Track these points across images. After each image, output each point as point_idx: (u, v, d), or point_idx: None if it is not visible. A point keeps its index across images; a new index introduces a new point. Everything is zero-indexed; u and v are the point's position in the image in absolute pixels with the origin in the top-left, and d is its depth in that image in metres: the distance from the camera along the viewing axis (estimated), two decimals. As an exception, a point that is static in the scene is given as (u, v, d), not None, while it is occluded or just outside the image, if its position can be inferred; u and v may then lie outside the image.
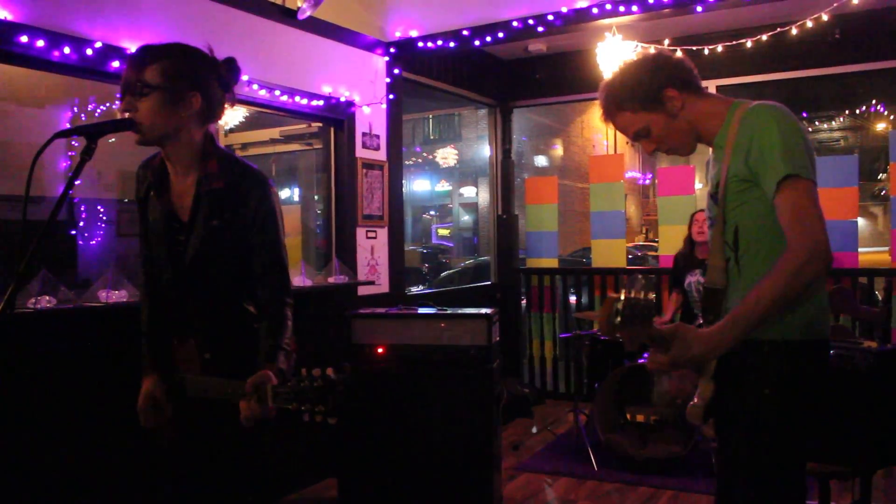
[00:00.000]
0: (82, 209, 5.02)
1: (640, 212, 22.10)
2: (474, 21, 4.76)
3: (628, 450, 4.48)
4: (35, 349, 2.94)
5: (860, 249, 5.17)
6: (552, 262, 6.51)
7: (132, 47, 3.36)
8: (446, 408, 3.71)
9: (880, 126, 18.68)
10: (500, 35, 4.72)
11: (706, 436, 1.99)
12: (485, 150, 7.51)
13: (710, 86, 5.75)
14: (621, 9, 4.34)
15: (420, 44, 4.92)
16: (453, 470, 3.70)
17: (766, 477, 1.80)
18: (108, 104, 4.76)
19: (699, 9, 4.29)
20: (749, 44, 5.14)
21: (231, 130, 6.72)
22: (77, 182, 1.76)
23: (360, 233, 4.80)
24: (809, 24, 4.79)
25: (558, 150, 18.75)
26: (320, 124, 4.89)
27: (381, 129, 5.01)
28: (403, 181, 5.44)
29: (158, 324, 2.13)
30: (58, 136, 1.72)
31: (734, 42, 5.17)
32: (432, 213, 21.31)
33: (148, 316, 2.16)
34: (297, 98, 4.30)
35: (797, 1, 4.61)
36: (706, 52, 5.26)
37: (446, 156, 18.88)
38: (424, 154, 19.49)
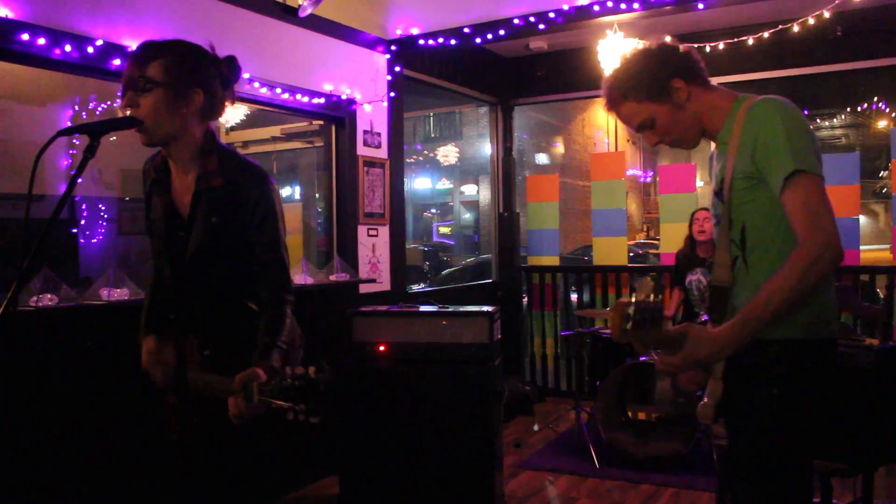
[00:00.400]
0: (84, 207, 5.03)
1: (641, 209, 22.10)
2: (475, 19, 4.76)
3: (630, 448, 4.48)
4: (37, 347, 2.94)
5: (861, 247, 5.17)
6: (553, 260, 6.51)
7: (133, 45, 3.35)
8: (447, 405, 3.71)
9: (882, 123, 18.67)
10: (502, 32, 4.72)
11: (717, 434, 1.98)
12: (486, 148, 7.50)
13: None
14: (623, 6, 4.33)
15: (421, 41, 4.92)
16: (455, 467, 3.71)
17: (774, 477, 1.79)
18: (109, 102, 4.76)
19: (701, 6, 4.28)
20: (751, 41, 5.13)
21: (232, 128, 6.73)
22: (79, 180, 1.76)
23: (362, 230, 4.80)
24: (811, 21, 4.78)
25: (559, 147, 18.75)
26: (321, 122, 4.89)
27: (382, 126, 5.01)
28: (405, 179, 5.44)
29: (160, 302, 2.15)
30: (60, 135, 1.72)
31: (736, 39, 5.16)
32: (433, 210, 21.32)
33: (152, 288, 2.20)
34: (299, 96, 4.30)
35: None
36: (707, 49, 5.25)
37: (447, 154, 18.88)
38: (425, 152, 19.50)
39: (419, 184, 20.41)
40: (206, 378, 1.99)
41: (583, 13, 4.47)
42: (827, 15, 4.70)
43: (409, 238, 11.08)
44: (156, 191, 2.08)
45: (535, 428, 5.45)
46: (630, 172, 20.03)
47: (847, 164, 5.24)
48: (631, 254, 7.86)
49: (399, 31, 4.99)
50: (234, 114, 6.51)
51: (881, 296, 5.52)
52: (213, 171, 1.99)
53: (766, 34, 5.05)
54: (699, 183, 6.39)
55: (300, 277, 4.13)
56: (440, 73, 5.73)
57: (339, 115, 4.66)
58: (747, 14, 5.10)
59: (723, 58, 5.31)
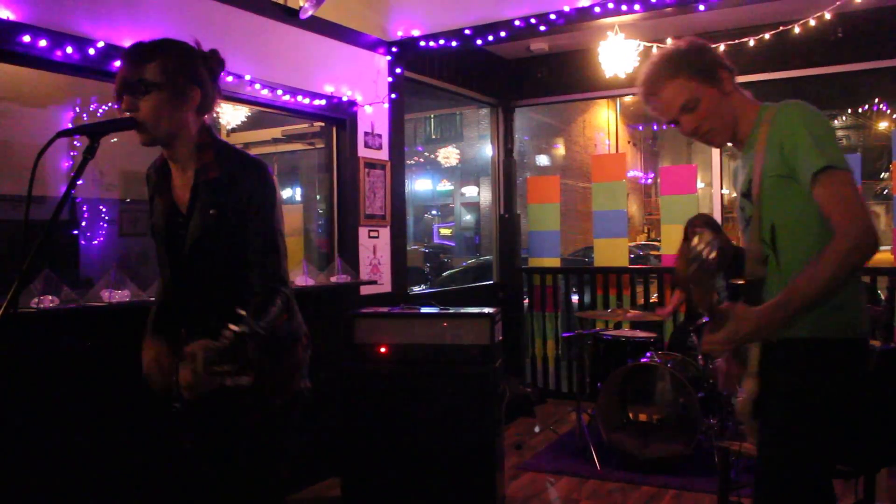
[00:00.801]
0: (84, 209, 5.03)
1: (642, 211, 22.10)
2: (476, 20, 4.76)
3: (631, 449, 4.48)
4: (38, 349, 2.94)
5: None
6: (554, 262, 6.50)
7: (134, 47, 3.35)
8: (449, 407, 3.71)
9: (883, 125, 18.67)
10: (503, 34, 4.71)
11: (745, 434, 2.02)
12: (487, 150, 7.50)
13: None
14: (623, 7, 4.33)
15: (422, 43, 4.92)
16: (456, 469, 3.70)
17: (793, 478, 1.81)
18: (109, 104, 4.76)
19: (702, 7, 4.28)
20: (752, 42, 5.13)
21: (233, 130, 6.74)
22: (79, 182, 1.76)
23: (363, 232, 4.80)
24: (812, 22, 4.79)
25: (560, 149, 18.74)
26: (322, 124, 4.89)
27: (383, 128, 5.01)
28: (406, 181, 5.44)
29: (167, 306, 2.16)
30: (60, 136, 1.72)
31: (737, 41, 5.16)
32: (434, 212, 21.31)
33: (159, 294, 2.21)
34: (300, 97, 4.30)
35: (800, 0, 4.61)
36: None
37: (448, 155, 18.88)
38: (426, 153, 19.50)
39: (420, 185, 20.41)
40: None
41: (584, 15, 4.47)
42: (828, 16, 4.70)
43: (409, 240, 11.09)
44: (157, 192, 2.09)
45: (536, 429, 5.45)
46: (631, 174, 20.04)
47: (848, 166, 5.23)
48: (632, 255, 7.85)
49: (400, 33, 4.99)
50: (235, 115, 6.51)
51: (882, 297, 5.52)
52: (211, 164, 1.99)
53: (767, 35, 5.05)
54: (700, 184, 6.38)
55: (301, 279, 4.13)
56: (441, 75, 5.73)
57: (340, 116, 4.66)
58: (748, 15, 5.10)
59: (723, 59, 5.31)
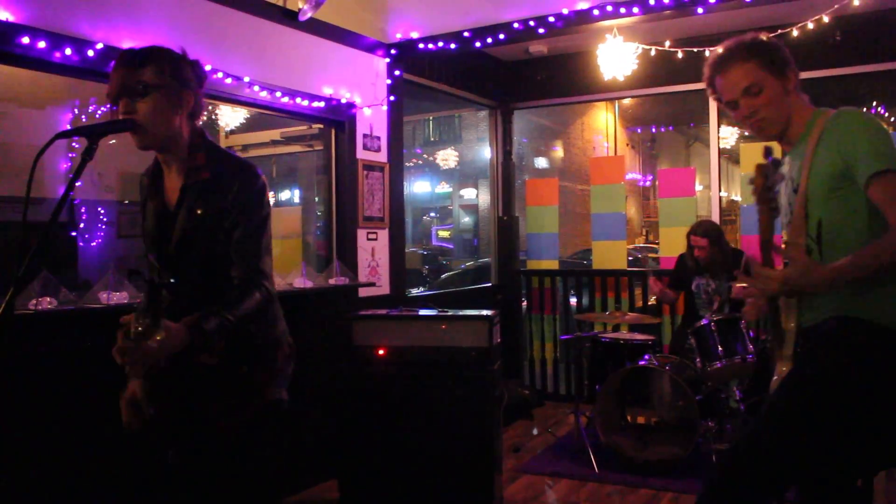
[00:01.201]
0: (83, 210, 5.03)
1: (640, 213, 22.09)
2: (475, 23, 4.76)
3: (629, 452, 4.48)
4: (36, 350, 2.93)
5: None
6: (553, 264, 6.51)
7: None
8: (447, 410, 3.71)
9: (881, 128, 18.62)
10: (501, 37, 4.72)
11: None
12: (485, 152, 7.51)
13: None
14: (622, 10, 4.33)
15: (421, 45, 4.92)
16: (454, 472, 3.70)
17: (773, 457, 1.83)
18: (108, 105, 4.75)
19: (700, 10, 4.29)
20: (750, 45, 5.13)
21: (232, 132, 6.74)
22: (77, 183, 1.77)
23: (361, 234, 4.80)
24: (810, 25, 4.79)
25: (559, 151, 18.74)
26: (321, 126, 4.89)
27: (381, 130, 5.01)
28: (404, 183, 5.44)
29: None
30: (59, 137, 1.73)
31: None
32: (433, 214, 21.30)
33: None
34: (298, 99, 4.30)
35: (798, 3, 4.61)
36: (707, 53, 5.24)
37: (447, 157, 18.88)
38: (425, 156, 19.49)
39: (418, 187, 20.40)
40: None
41: (582, 17, 4.48)
42: (826, 20, 4.71)
43: (408, 242, 11.10)
44: (150, 196, 2.11)
45: (535, 432, 5.45)
46: (629, 176, 20.04)
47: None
48: (630, 258, 7.85)
49: (399, 35, 5.00)
50: (233, 117, 6.51)
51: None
52: (201, 166, 2.02)
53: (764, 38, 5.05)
54: (698, 187, 6.39)
55: (299, 281, 4.12)
56: (440, 77, 5.73)
57: (338, 118, 4.66)
58: (746, 18, 5.10)
59: (722, 62, 5.31)
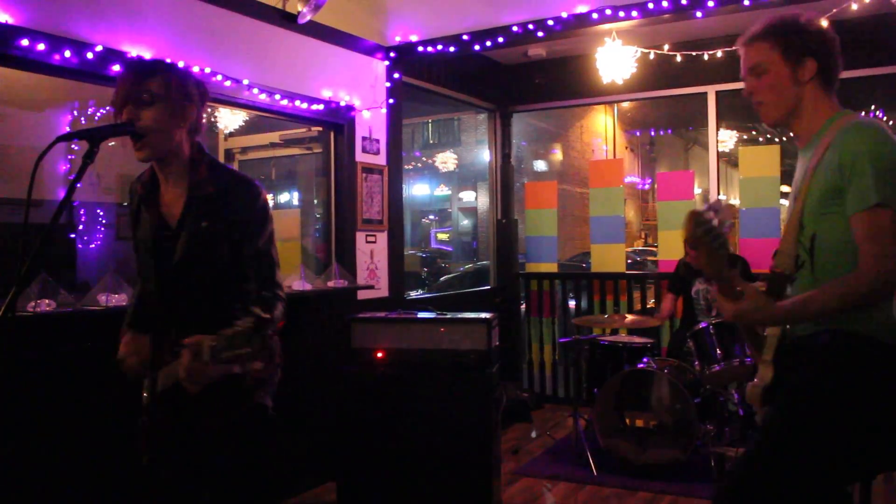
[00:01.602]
0: (82, 212, 5.03)
1: (639, 216, 22.11)
2: (474, 26, 4.77)
3: (628, 455, 4.48)
4: (35, 352, 2.93)
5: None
6: (551, 267, 6.51)
7: (133, 51, 3.36)
8: (445, 412, 3.71)
9: (879, 132, 18.65)
10: (500, 40, 4.73)
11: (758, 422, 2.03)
12: (484, 155, 7.51)
13: (710, 91, 5.76)
14: (621, 14, 4.34)
15: (420, 48, 4.93)
16: (453, 474, 3.70)
17: (775, 477, 1.78)
18: (108, 108, 4.76)
19: (699, 14, 4.30)
20: (748, 49, 5.14)
21: (231, 134, 6.73)
22: (78, 185, 1.77)
23: (360, 237, 4.81)
24: (809, 29, 4.79)
25: (558, 154, 18.77)
26: (320, 128, 4.90)
27: (380, 133, 5.02)
28: (403, 185, 5.44)
29: (145, 306, 2.19)
30: (60, 140, 1.74)
31: (734, 47, 5.17)
32: (432, 217, 21.30)
33: (137, 297, 2.26)
34: (298, 102, 4.31)
35: (796, 7, 4.62)
36: (706, 57, 5.27)
37: (446, 160, 18.89)
38: (424, 158, 19.50)
39: (417, 190, 20.41)
40: (171, 368, 1.99)
41: (581, 21, 4.49)
42: (824, 24, 4.71)
43: (407, 244, 11.09)
44: (144, 206, 2.13)
45: (533, 435, 5.45)
46: (628, 179, 20.06)
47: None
48: (629, 261, 7.86)
49: (398, 38, 5.01)
50: (232, 120, 6.51)
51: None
52: (206, 180, 2.06)
53: (763, 42, 5.06)
54: (697, 190, 6.39)
55: (298, 283, 4.12)
56: (439, 80, 5.74)
57: (337, 121, 4.66)
58: (745, 22, 5.07)
59: (721, 66, 5.33)
